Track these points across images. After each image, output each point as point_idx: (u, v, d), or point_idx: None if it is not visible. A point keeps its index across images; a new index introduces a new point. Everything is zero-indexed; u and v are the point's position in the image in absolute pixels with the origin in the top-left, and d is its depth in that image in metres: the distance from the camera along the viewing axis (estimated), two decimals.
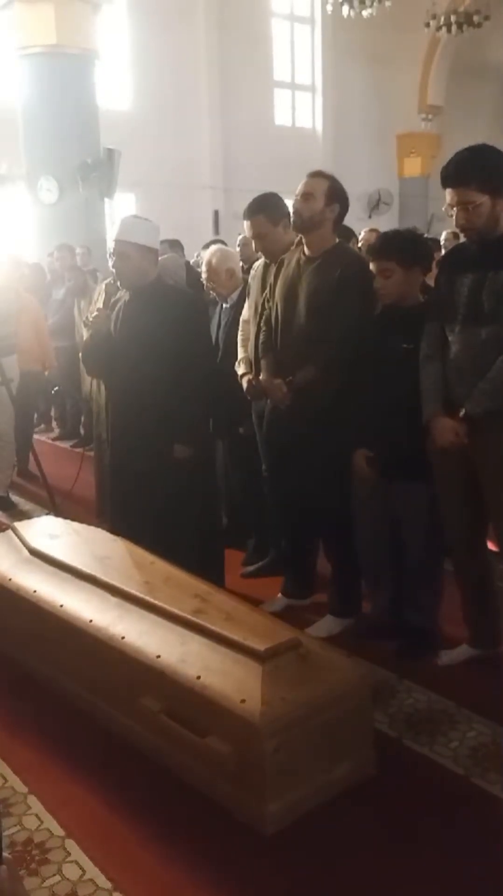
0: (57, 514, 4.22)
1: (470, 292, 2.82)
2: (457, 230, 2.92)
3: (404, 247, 3.13)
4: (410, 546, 3.24)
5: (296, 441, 3.39)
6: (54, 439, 7.72)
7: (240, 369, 3.79)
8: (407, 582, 3.30)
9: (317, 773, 2.36)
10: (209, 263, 4.22)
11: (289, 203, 3.50)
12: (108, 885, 2.12)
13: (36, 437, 6.75)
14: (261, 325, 3.58)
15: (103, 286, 4.49)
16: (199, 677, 2.40)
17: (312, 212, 3.26)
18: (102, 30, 10.63)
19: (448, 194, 2.78)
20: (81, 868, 2.18)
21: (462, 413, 2.84)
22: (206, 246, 5.79)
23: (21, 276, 6.58)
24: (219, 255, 4.21)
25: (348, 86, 16.56)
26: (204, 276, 4.41)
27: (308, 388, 3.27)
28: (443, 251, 5.41)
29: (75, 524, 3.69)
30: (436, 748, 2.67)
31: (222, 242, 5.82)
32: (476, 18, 13.53)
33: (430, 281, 3.44)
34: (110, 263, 3.69)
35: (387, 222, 14.27)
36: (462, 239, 2.98)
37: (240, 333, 3.91)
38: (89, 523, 3.83)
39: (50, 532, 3.54)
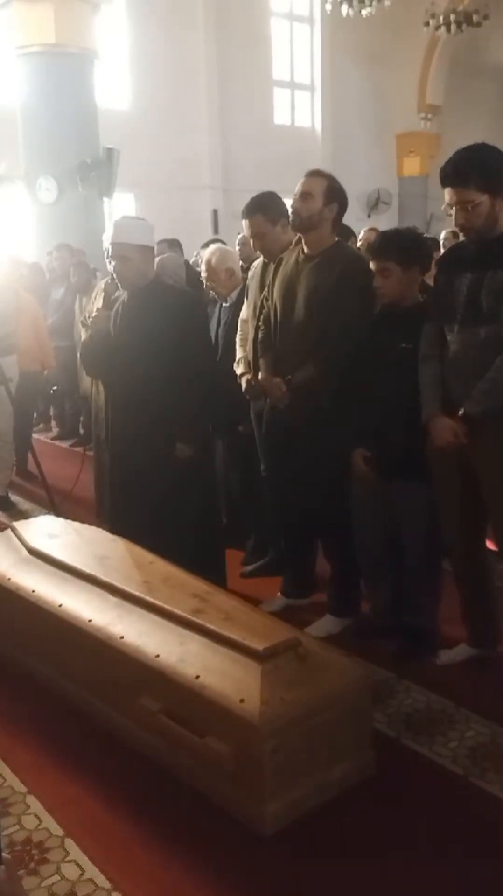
0: (56, 514, 4.22)
1: (469, 292, 2.81)
2: (457, 229, 2.92)
3: (403, 246, 3.13)
4: (409, 546, 3.24)
5: (294, 440, 3.39)
6: (53, 439, 7.73)
7: (238, 369, 3.79)
8: (406, 582, 3.29)
9: (316, 773, 2.36)
10: (208, 263, 4.22)
11: (288, 202, 3.50)
12: (108, 884, 2.12)
13: (35, 436, 6.75)
14: (260, 324, 3.57)
15: (102, 285, 4.49)
16: (197, 677, 2.40)
17: (311, 211, 3.26)
18: (101, 29, 10.63)
19: (447, 194, 2.77)
20: (80, 868, 2.18)
21: (461, 413, 2.84)
22: (206, 245, 5.78)
23: (20, 276, 6.59)
24: (218, 254, 4.21)
25: (347, 85, 16.53)
26: (203, 275, 4.40)
27: (307, 387, 3.27)
28: (442, 251, 5.41)
29: (74, 524, 3.69)
30: (435, 748, 2.67)
31: (221, 242, 5.80)
32: (475, 18, 13.54)
33: (430, 280, 3.44)
34: (109, 265, 3.68)
35: (386, 222, 14.25)
36: (461, 238, 2.98)
37: (238, 333, 3.91)
38: (89, 523, 3.82)
39: (49, 532, 3.54)
